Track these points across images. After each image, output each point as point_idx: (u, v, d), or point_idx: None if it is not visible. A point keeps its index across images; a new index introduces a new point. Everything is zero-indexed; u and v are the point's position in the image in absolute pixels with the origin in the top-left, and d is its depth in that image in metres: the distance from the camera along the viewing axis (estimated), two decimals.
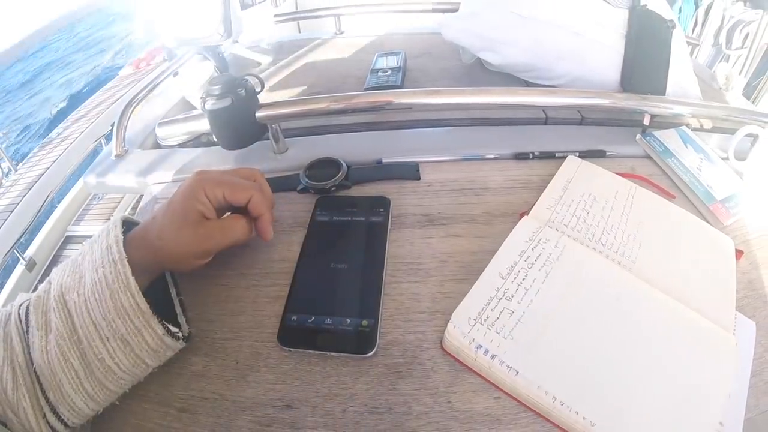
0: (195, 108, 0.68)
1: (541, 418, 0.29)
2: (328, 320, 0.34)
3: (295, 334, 0.34)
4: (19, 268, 2.50)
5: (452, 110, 0.59)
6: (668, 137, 0.51)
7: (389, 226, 0.42)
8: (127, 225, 0.35)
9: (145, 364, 0.31)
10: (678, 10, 1.53)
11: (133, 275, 0.30)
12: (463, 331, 0.32)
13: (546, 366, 0.30)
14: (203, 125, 0.52)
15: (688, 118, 0.55)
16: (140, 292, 0.30)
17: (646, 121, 0.52)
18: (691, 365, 0.31)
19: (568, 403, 0.28)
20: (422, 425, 0.29)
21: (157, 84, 0.67)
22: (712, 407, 0.29)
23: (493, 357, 0.31)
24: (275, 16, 0.94)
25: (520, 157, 0.50)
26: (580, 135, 0.54)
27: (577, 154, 0.49)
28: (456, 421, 0.29)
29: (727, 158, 0.50)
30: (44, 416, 0.27)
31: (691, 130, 0.53)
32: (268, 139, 0.52)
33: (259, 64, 0.82)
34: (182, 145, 0.59)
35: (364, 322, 0.34)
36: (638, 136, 0.52)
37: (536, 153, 0.50)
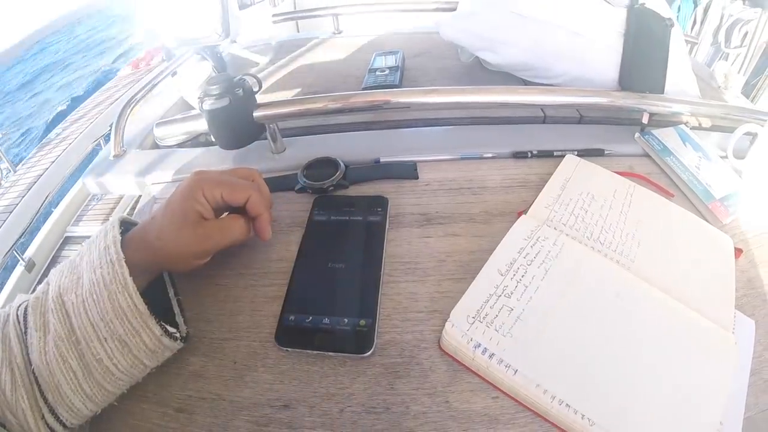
0: (193, 108, 0.68)
1: (539, 417, 0.29)
2: (326, 320, 0.34)
3: (292, 334, 0.34)
4: (19, 269, 2.50)
5: (450, 109, 0.59)
6: (667, 136, 0.51)
7: (387, 226, 0.42)
8: (125, 226, 0.35)
9: (143, 365, 0.31)
10: (677, 9, 1.53)
11: (131, 276, 0.30)
12: (462, 329, 0.32)
13: (545, 364, 0.30)
14: (201, 125, 0.52)
15: (686, 116, 0.55)
16: (138, 293, 0.30)
17: (645, 120, 0.52)
18: (691, 364, 0.31)
19: (567, 401, 0.28)
20: (420, 425, 0.29)
21: (156, 84, 0.67)
22: (712, 406, 0.29)
23: (491, 356, 0.30)
24: (273, 15, 0.94)
25: (519, 156, 0.50)
26: (579, 134, 0.54)
27: (576, 152, 0.49)
28: (454, 421, 0.29)
29: (725, 157, 0.50)
30: (43, 417, 0.27)
31: (690, 128, 0.52)
32: (266, 138, 0.52)
33: (257, 63, 0.82)
34: (180, 145, 0.59)
35: (362, 322, 0.33)
36: (637, 135, 0.52)
37: (534, 152, 0.50)
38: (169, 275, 0.37)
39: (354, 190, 0.47)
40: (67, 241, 2.89)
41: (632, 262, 0.38)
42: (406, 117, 0.60)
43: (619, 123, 0.55)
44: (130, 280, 0.30)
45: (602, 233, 0.40)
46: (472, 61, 0.71)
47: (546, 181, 0.45)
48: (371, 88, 0.66)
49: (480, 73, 0.70)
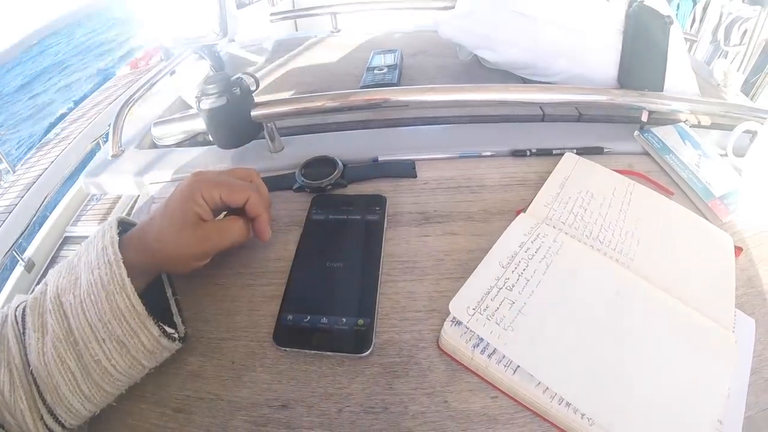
0: (191, 107, 0.68)
1: (538, 417, 0.29)
2: (324, 320, 0.34)
3: (290, 334, 0.34)
4: (18, 269, 2.50)
5: (449, 107, 0.59)
6: (666, 134, 0.51)
7: (385, 225, 0.41)
8: (123, 226, 0.35)
9: (142, 366, 0.30)
10: (676, 7, 1.53)
11: (129, 276, 0.30)
12: (462, 320, 0.31)
13: (546, 361, 0.30)
14: (199, 125, 0.52)
15: (686, 114, 0.55)
16: (136, 294, 0.30)
17: (644, 118, 0.52)
18: (691, 363, 0.31)
19: (567, 399, 0.28)
20: (418, 425, 0.29)
21: (154, 83, 0.67)
22: (712, 405, 0.29)
23: (490, 356, 0.30)
24: (271, 14, 0.94)
25: (517, 154, 0.50)
26: (578, 132, 0.54)
27: (575, 151, 0.49)
28: (453, 421, 0.29)
29: (725, 155, 0.49)
30: (41, 418, 0.27)
31: (690, 126, 0.52)
32: (263, 138, 0.52)
33: (255, 63, 0.82)
34: (179, 144, 0.58)
35: (360, 322, 0.33)
36: (636, 133, 0.51)
37: (533, 150, 0.50)
38: (167, 275, 0.37)
39: (352, 189, 0.47)
40: (66, 241, 2.89)
41: (632, 260, 0.38)
42: (405, 115, 0.60)
43: (619, 121, 0.55)
44: (128, 280, 0.30)
45: (601, 232, 0.40)
46: (470, 60, 0.71)
47: (545, 180, 0.45)
48: (369, 86, 0.66)
49: (479, 71, 0.69)
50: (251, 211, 0.37)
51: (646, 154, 0.50)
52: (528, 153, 0.50)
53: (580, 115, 0.57)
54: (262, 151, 0.53)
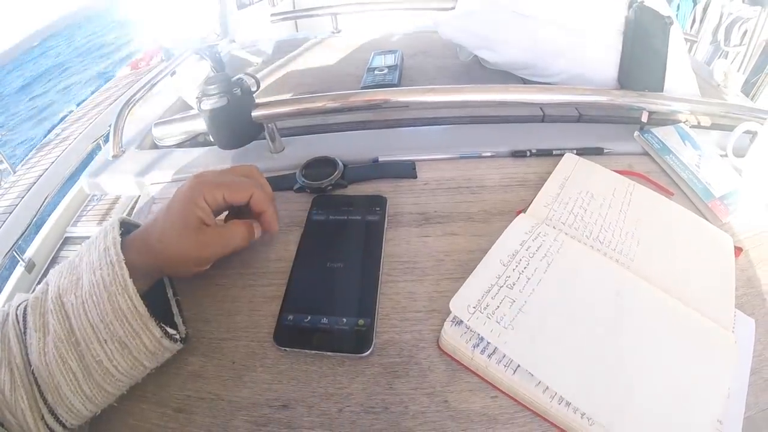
0: (192, 108, 0.68)
1: (538, 417, 0.29)
2: (325, 320, 0.34)
3: (291, 334, 0.34)
4: (19, 269, 2.50)
5: (449, 108, 0.59)
6: (666, 134, 0.51)
7: (385, 225, 0.42)
8: (125, 227, 0.35)
9: (143, 366, 0.31)
10: (676, 7, 1.53)
11: (132, 278, 0.30)
12: (462, 319, 0.31)
13: (545, 359, 0.30)
14: (200, 125, 0.52)
15: (686, 115, 0.55)
16: (138, 295, 0.30)
17: (644, 118, 0.52)
18: (691, 363, 0.31)
19: (567, 399, 0.28)
20: (419, 425, 0.29)
21: (155, 84, 0.67)
22: (711, 405, 0.29)
23: (490, 356, 0.30)
24: (272, 15, 0.94)
25: (518, 154, 0.50)
26: (578, 132, 0.54)
27: (575, 151, 0.49)
28: (453, 421, 0.29)
29: (725, 155, 0.49)
30: (42, 418, 0.27)
31: (690, 127, 0.52)
32: (264, 138, 0.52)
33: (256, 63, 0.82)
34: (179, 145, 0.58)
35: (361, 322, 0.33)
36: (636, 133, 0.51)
37: (533, 151, 0.50)
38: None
39: (352, 190, 0.47)
40: (66, 241, 2.89)
41: (631, 261, 0.38)
42: (405, 116, 0.60)
43: (619, 121, 0.55)
44: (130, 281, 0.30)
45: (601, 232, 0.40)
46: (471, 60, 0.71)
47: (545, 180, 0.45)
48: (370, 87, 0.66)
49: (479, 71, 0.69)
50: (256, 207, 0.37)
51: (646, 154, 0.50)
52: (528, 153, 0.50)
53: (580, 115, 0.57)
54: (262, 152, 0.53)
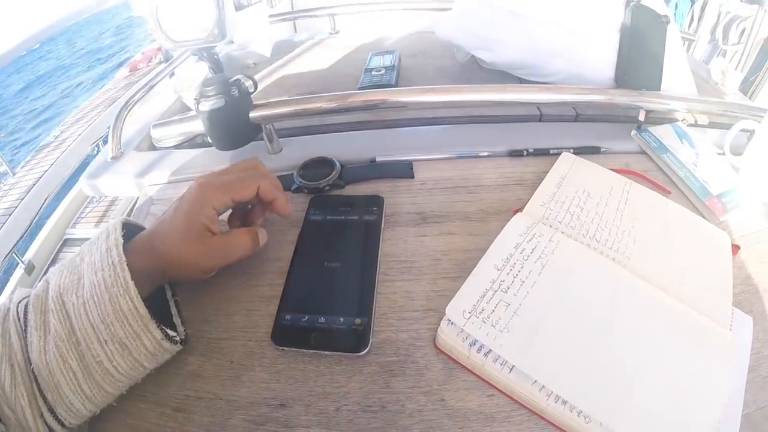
0: (190, 109, 0.68)
1: (535, 415, 0.29)
2: (322, 319, 0.34)
3: (288, 334, 0.34)
4: (18, 271, 2.51)
5: (446, 108, 0.59)
6: (663, 133, 0.51)
7: (383, 225, 0.42)
8: (127, 228, 0.35)
9: (143, 367, 0.31)
10: (674, 6, 1.53)
11: (133, 280, 0.30)
12: (458, 325, 0.32)
13: (542, 360, 0.30)
14: (198, 126, 0.52)
15: (683, 113, 0.55)
16: (139, 297, 0.30)
17: (641, 117, 0.52)
18: (688, 361, 0.31)
19: (564, 398, 0.28)
20: (415, 423, 0.29)
21: (153, 85, 0.67)
22: (711, 404, 0.29)
23: (486, 354, 0.30)
24: (270, 16, 0.94)
25: (515, 154, 0.50)
26: (575, 131, 0.54)
27: (572, 150, 0.49)
28: (449, 419, 0.29)
29: (723, 153, 0.49)
30: (41, 415, 0.28)
31: (687, 125, 0.52)
32: (262, 139, 0.52)
33: (254, 64, 0.82)
34: (178, 146, 0.59)
35: (358, 321, 0.33)
36: (633, 132, 0.52)
37: (530, 150, 0.50)
38: None
39: (350, 190, 0.47)
40: (66, 243, 2.90)
41: (628, 259, 0.38)
42: (402, 116, 0.60)
43: (616, 120, 0.55)
44: (131, 283, 0.30)
45: (598, 231, 0.40)
46: (468, 60, 0.71)
47: (542, 179, 0.45)
48: (367, 87, 0.66)
49: (476, 72, 0.70)
50: (265, 196, 0.37)
51: (644, 153, 0.50)
52: (525, 153, 0.50)
53: (577, 114, 0.57)
54: (260, 153, 0.53)
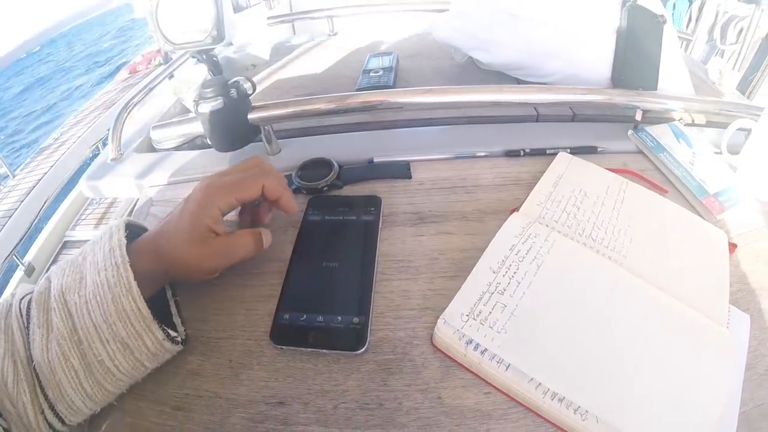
0: (190, 111, 0.68)
1: (531, 412, 0.29)
2: (320, 318, 0.34)
3: (287, 333, 0.34)
4: (18, 273, 2.51)
5: (444, 109, 0.59)
6: (660, 132, 0.51)
7: (380, 225, 0.42)
8: (130, 229, 0.35)
9: (144, 367, 0.31)
10: (672, 6, 1.53)
11: (136, 280, 0.30)
12: (456, 327, 0.32)
13: (539, 359, 0.30)
14: (197, 128, 0.52)
15: (680, 113, 0.55)
16: (142, 297, 0.30)
17: (638, 117, 0.52)
18: (685, 360, 0.31)
19: (561, 395, 0.28)
20: (412, 420, 0.29)
21: (153, 87, 0.68)
22: (709, 402, 0.29)
23: (483, 352, 0.31)
24: (269, 18, 0.95)
25: (511, 154, 0.50)
26: (572, 131, 0.54)
27: (569, 150, 0.49)
28: (446, 417, 0.29)
29: (720, 152, 0.50)
30: (42, 412, 0.28)
31: (684, 125, 0.53)
32: (261, 140, 0.52)
33: (253, 66, 0.82)
34: (177, 148, 0.59)
35: (355, 320, 0.34)
36: (630, 132, 0.52)
37: (527, 150, 0.50)
38: None
39: (348, 190, 0.47)
40: (66, 245, 2.89)
41: (624, 258, 0.38)
42: (400, 117, 0.60)
43: (613, 120, 0.56)
44: (134, 283, 0.30)
45: (594, 230, 0.40)
46: (465, 61, 0.71)
47: (539, 179, 0.45)
48: (365, 89, 0.67)
49: (474, 73, 0.70)
50: (270, 195, 0.37)
51: (641, 152, 0.51)
52: (522, 153, 0.50)
53: (574, 114, 0.58)
54: (259, 154, 0.53)
